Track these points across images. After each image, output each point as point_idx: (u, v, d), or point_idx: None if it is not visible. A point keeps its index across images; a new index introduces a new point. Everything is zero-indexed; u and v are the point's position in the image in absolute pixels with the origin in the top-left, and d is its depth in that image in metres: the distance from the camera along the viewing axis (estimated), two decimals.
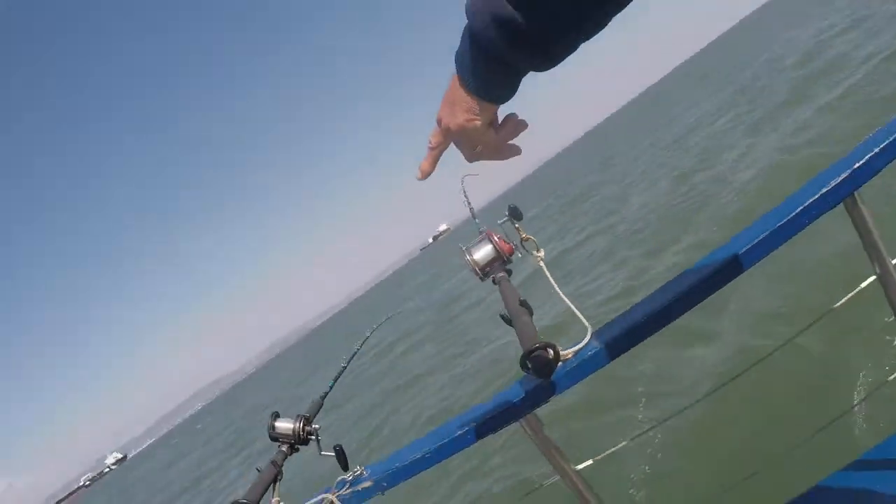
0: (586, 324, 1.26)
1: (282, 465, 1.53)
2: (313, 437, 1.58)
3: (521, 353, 0.90)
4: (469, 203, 1.53)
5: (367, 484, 1.50)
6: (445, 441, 1.43)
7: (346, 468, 1.59)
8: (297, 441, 1.56)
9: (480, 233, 1.28)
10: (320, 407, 1.69)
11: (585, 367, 1.28)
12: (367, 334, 2.04)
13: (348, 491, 1.52)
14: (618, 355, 1.30)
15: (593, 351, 1.28)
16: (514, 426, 1.39)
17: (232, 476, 16.46)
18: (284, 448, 1.56)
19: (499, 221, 1.29)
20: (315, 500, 1.51)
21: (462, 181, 1.54)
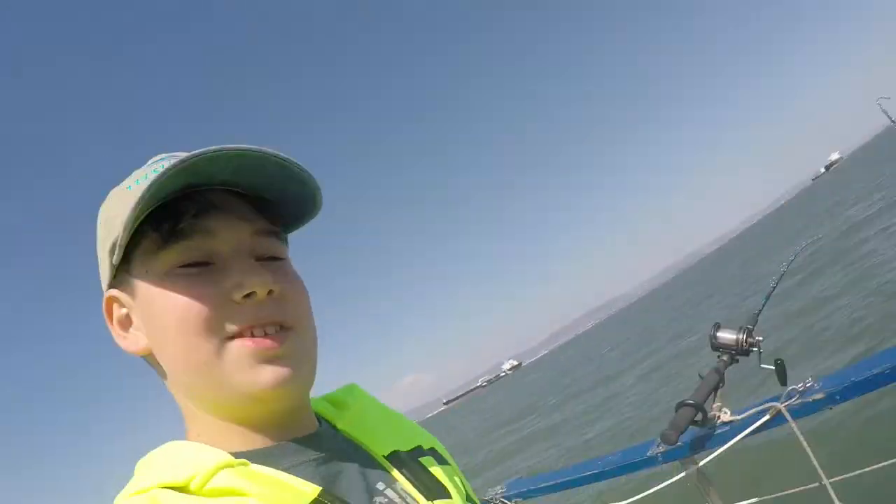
0: None
1: (724, 373, 1.64)
2: (756, 349, 1.67)
3: None
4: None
5: (818, 396, 1.44)
6: None
7: (784, 383, 1.60)
8: (738, 352, 1.67)
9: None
10: (756, 322, 1.76)
11: None
12: (792, 256, 2.16)
13: (798, 402, 1.47)
14: None
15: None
16: None
17: (629, 383, 16.21)
18: (725, 357, 1.67)
19: None
20: (760, 407, 1.51)
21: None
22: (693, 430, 1.60)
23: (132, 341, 0.68)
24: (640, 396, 13.96)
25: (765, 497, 1.82)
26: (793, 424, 1.49)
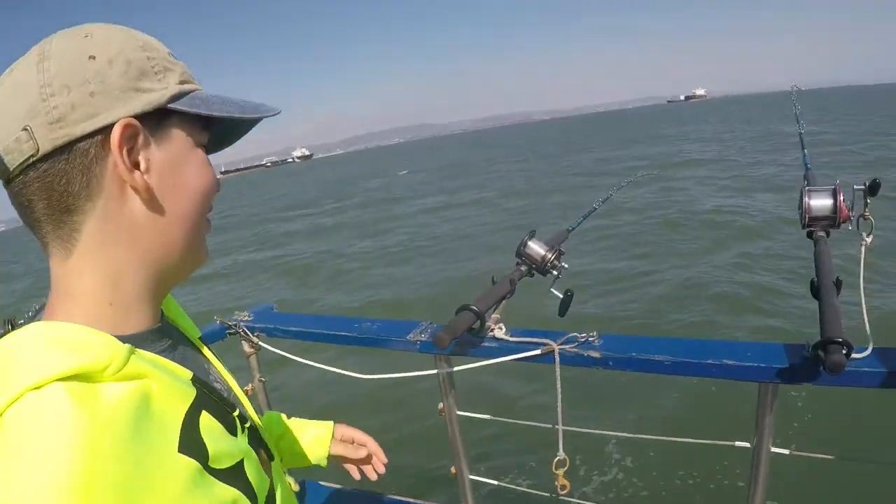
0: (869, 336, 1.14)
1: (516, 284, 1.63)
2: (555, 273, 1.65)
3: (815, 337, 1.05)
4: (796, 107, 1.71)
5: (594, 354, 1.42)
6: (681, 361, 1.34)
7: (562, 315, 1.63)
8: (538, 268, 1.65)
9: (830, 183, 1.22)
10: (566, 238, 1.76)
11: (857, 378, 1.15)
12: (624, 184, 2.26)
13: (573, 350, 1.44)
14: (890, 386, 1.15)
15: (870, 369, 1.14)
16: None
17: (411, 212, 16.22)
18: (524, 268, 1.66)
19: (856, 186, 1.17)
20: (536, 339, 1.48)
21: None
22: (463, 334, 1.52)
23: (139, 178, 0.64)
24: (418, 228, 14.99)
25: (498, 418, 1.87)
26: (557, 369, 1.45)
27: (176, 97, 0.66)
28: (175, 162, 0.67)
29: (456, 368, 1.72)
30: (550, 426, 1.62)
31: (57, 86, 0.59)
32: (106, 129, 0.61)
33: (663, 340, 1.41)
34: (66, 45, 0.61)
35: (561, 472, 1.55)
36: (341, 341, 1.85)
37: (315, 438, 1.26)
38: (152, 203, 0.65)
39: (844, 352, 1.00)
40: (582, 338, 1.45)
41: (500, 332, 1.53)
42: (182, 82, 0.68)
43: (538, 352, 1.46)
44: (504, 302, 1.61)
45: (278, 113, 0.76)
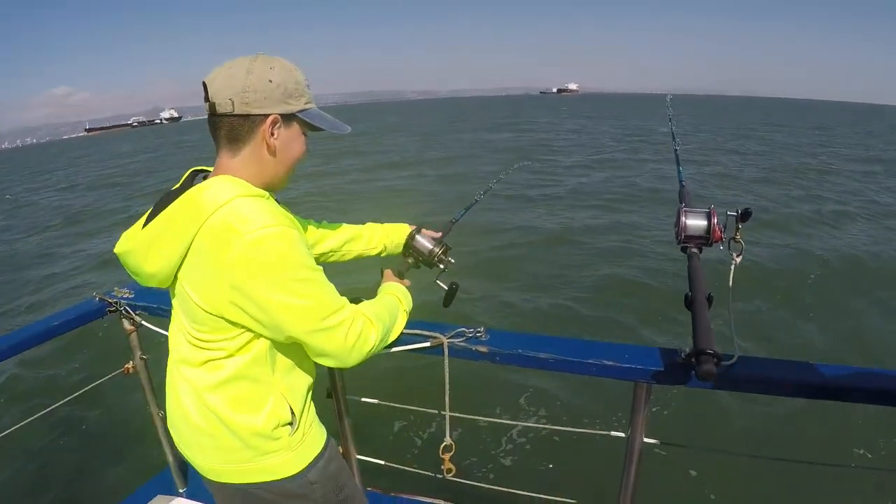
0: (735, 345, 1.24)
1: (404, 275, 1.76)
2: (442, 266, 1.77)
3: (688, 345, 1.16)
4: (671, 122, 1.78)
5: (482, 349, 1.48)
6: (559, 358, 1.44)
7: (446, 306, 1.75)
8: (426, 261, 1.77)
9: (705, 206, 1.32)
10: (449, 230, 1.86)
11: (724, 382, 1.29)
12: (503, 176, 2.30)
13: (461, 343, 1.50)
14: (750, 391, 1.32)
15: (735, 375, 1.28)
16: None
17: None
18: (411, 260, 1.79)
19: (729, 212, 1.29)
20: (426, 332, 1.53)
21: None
22: None
23: (275, 136, 1.26)
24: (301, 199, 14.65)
25: (386, 402, 1.90)
26: (446, 360, 1.51)
27: (299, 111, 1.28)
28: (289, 138, 1.29)
29: None
30: (437, 412, 1.67)
31: (251, 89, 1.20)
32: (266, 115, 1.22)
33: (548, 339, 1.48)
34: (260, 68, 1.22)
35: (447, 456, 1.62)
36: None
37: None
38: (273, 154, 1.27)
39: (714, 361, 1.08)
40: (470, 332, 1.50)
41: None
42: (306, 103, 1.29)
43: (427, 344, 1.50)
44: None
45: (348, 132, 1.40)
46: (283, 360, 1.31)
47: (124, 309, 1.95)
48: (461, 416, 1.70)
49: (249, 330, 1.22)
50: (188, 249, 1.17)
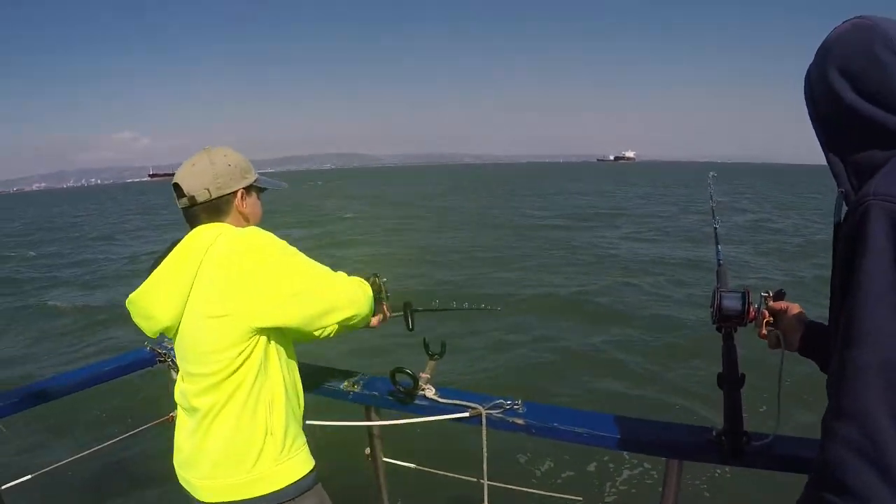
0: (778, 422, 1.27)
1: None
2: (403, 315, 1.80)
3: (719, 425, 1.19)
4: (712, 200, 1.67)
5: (518, 421, 1.51)
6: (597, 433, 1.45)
7: (409, 329, 1.77)
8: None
9: (740, 288, 1.33)
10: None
11: (754, 461, 1.28)
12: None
13: (499, 415, 1.53)
14: (786, 470, 1.29)
15: (771, 454, 1.27)
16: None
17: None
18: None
19: (763, 293, 1.33)
20: (464, 402, 1.57)
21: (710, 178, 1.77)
22: (393, 389, 1.66)
23: (245, 206, 1.54)
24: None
25: (424, 468, 1.93)
26: (484, 431, 1.54)
27: (255, 181, 1.57)
28: (253, 203, 1.56)
29: (387, 422, 1.80)
30: (476, 480, 1.70)
31: (220, 174, 1.48)
32: (236, 191, 1.50)
33: (583, 414, 1.51)
34: (218, 158, 1.50)
35: None
36: None
37: None
38: (247, 219, 1.54)
39: (745, 441, 1.11)
40: (507, 405, 1.54)
41: (430, 392, 1.61)
42: (255, 174, 1.58)
43: (466, 414, 1.55)
44: (434, 363, 1.70)
45: (285, 187, 1.88)
46: (273, 380, 1.45)
47: (171, 360, 2.07)
48: (498, 484, 1.72)
49: (246, 351, 1.38)
50: (195, 279, 1.37)
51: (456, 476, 1.86)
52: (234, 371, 1.38)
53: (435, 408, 1.59)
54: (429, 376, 1.65)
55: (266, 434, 1.42)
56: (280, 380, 1.45)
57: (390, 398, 1.66)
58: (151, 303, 1.42)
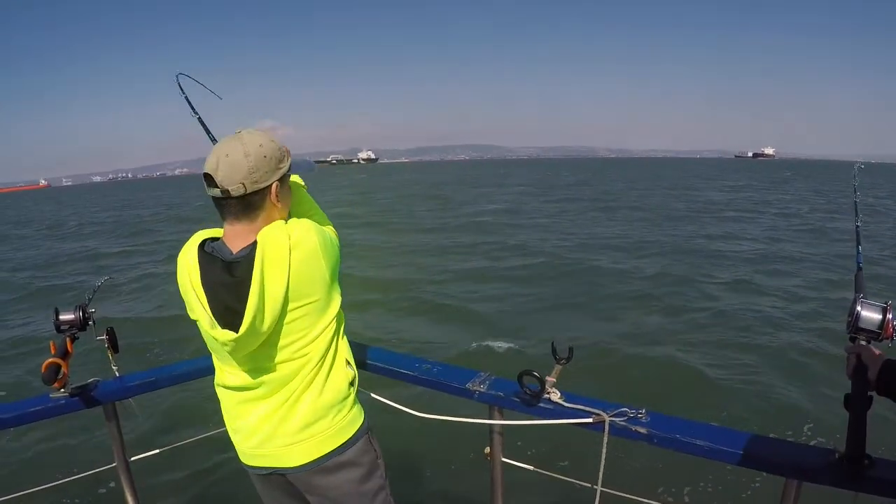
0: None
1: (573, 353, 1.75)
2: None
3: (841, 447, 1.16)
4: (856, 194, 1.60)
5: (641, 430, 1.55)
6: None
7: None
8: None
9: (883, 300, 1.28)
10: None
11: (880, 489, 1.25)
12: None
13: (622, 423, 1.57)
14: None
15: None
16: None
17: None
18: None
19: None
20: (588, 408, 1.62)
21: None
22: (519, 391, 1.72)
23: (278, 197, 1.54)
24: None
25: (540, 470, 2.01)
26: (605, 438, 1.60)
27: (288, 168, 1.58)
28: (286, 192, 1.60)
29: (509, 422, 1.88)
30: (590, 486, 1.76)
31: (254, 169, 1.47)
32: (271, 185, 1.51)
33: (705, 426, 1.55)
34: (253, 148, 1.48)
35: None
36: (400, 377, 2.04)
37: None
38: (280, 211, 1.57)
39: (867, 465, 1.10)
40: (632, 413, 1.60)
41: (555, 396, 1.70)
42: (288, 160, 1.58)
43: (589, 420, 1.62)
44: (560, 367, 1.76)
45: (315, 170, 2.05)
46: (337, 341, 1.65)
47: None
48: (611, 491, 1.76)
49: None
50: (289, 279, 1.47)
51: (569, 480, 1.94)
52: (310, 342, 1.56)
53: (559, 411, 1.67)
54: (555, 380, 1.72)
55: (348, 385, 1.66)
56: (341, 334, 1.67)
57: (516, 399, 1.75)
58: (256, 332, 1.48)
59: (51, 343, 1.92)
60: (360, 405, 1.73)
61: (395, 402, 2.06)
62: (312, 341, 1.57)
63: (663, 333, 8.07)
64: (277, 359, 1.55)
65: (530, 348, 7.53)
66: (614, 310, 9.49)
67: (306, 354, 1.57)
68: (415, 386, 2.01)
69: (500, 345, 7.55)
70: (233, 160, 1.46)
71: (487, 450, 1.97)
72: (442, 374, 1.98)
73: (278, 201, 1.54)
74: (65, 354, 1.90)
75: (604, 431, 1.59)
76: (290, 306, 1.49)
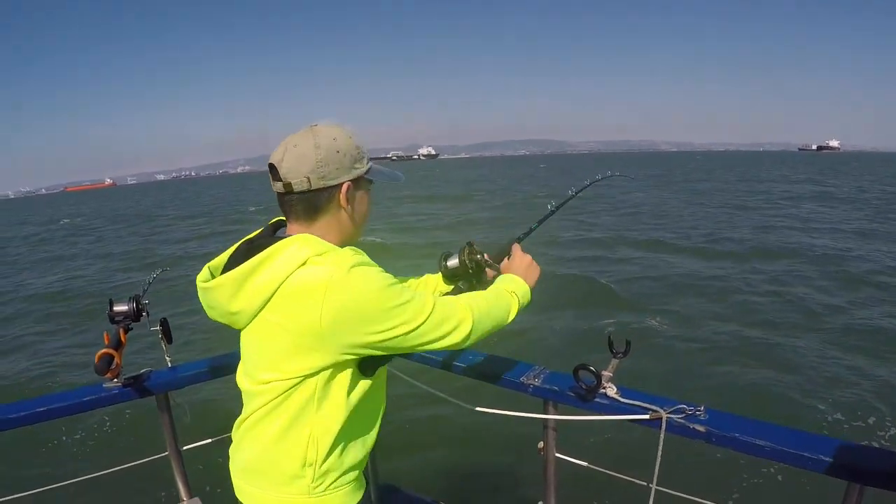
0: None
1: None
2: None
3: None
4: None
5: (699, 428, 1.52)
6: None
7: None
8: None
9: None
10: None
11: None
12: (584, 184, 2.01)
13: (680, 420, 1.55)
14: None
15: None
16: None
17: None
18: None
19: None
20: (645, 404, 1.60)
21: None
22: (574, 385, 1.70)
23: (348, 202, 1.39)
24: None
25: (594, 467, 1.99)
26: (661, 435, 1.57)
27: (365, 172, 1.43)
28: (360, 199, 1.44)
29: (564, 417, 1.87)
30: (645, 484, 1.74)
31: (324, 163, 1.33)
32: (341, 184, 1.37)
33: (767, 426, 1.52)
34: (325, 141, 1.35)
35: None
36: (454, 370, 2.03)
37: None
38: (349, 217, 1.42)
39: None
40: (690, 410, 1.57)
41: (612, 391, 1.69)
42: (367, 162, 1.44)
43: (646, 416, 1.60)
44: (617, 361, 1.75)
45: (402, 179, 1.61)
46: (332, 402, 1.35)
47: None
48: (666, 490, 1.73)
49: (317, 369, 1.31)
50: (273, 294, 1.26)
51: (623, 477, 1.92)
52: (291, 386, 1.32)
53: (615, 407, 1.66)
54: (611, 374, 1.70)
55: (304, 464, 1.36)
56: (339, 410, 1.36)
57: (571, 394, 1.74)
58: (223, 302, 1.35)
59: (105, 334, 1.97)
60: (346, 492, 1.44)
61: (448, 395, 2.08)
62: (292, 376, 1.32)
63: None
64: (256, 370, 1.39)
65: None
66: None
67: (278, 390, 1.33)
68: (467, 378, 2.01)
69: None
70: (300, 151, 1.32)
71: (541, 444, 1.96)
72: (496, 366, 1.98)
73: (347, 205, 1.38)
74: (118, 345, 1.95)
75: (660, 429, 1.57)
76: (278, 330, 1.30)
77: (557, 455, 1.96)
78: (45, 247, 25.21)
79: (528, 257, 1.70)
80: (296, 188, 1.32)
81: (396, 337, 1.28)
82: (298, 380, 1.30)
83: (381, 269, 1.33)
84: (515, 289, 1.58)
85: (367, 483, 1.55)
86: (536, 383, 1.83)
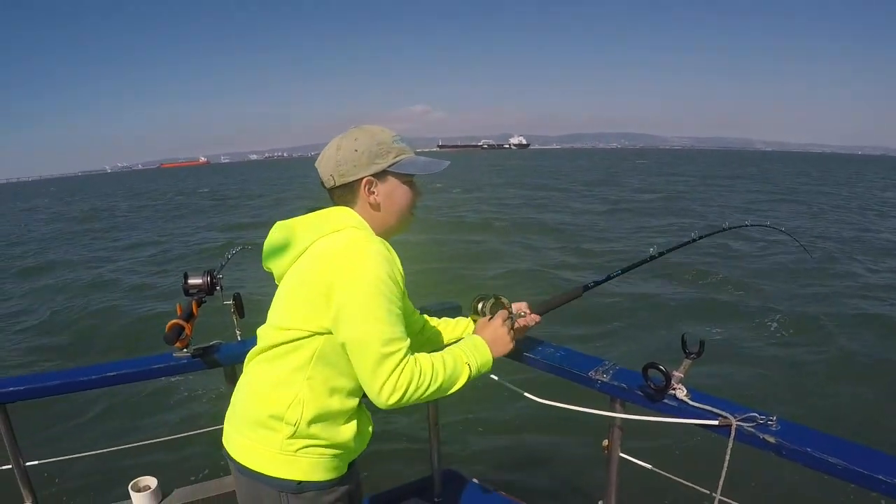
0: None
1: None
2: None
3: None
4: None
5: (770, 439, 1.46)
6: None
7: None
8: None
9: None
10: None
11: None
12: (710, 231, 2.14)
13: (750, 429, 1.50)
14: None
15: None
16: None
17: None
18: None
19: None
20: (716, 409, 1.55)
21: None
22: (643, 384, 1.67)
23: (372, 195, 1.56)
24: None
25: (659, 470, 1.97)
26: (730, 443, 1.52)
27: (389, 165, 1.56)
28: (389, 191, 1.58)
29: (631, 416, 1.84)
30: (709, 493, 1.69)
31: (341, 162, 1.54)
32: (360, 179, 1.54)
33: (842, 442, 1.44)
34: (347, 142, 1.55)
35: None
36: (525, 360, 2.02)
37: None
38: (377, 209, 1.58)
39: None
40: (761, 419, 1.51)
41: (681, 393, 1.64)
42: (396, 157, 1.57)
43: (715, 422, 1.55)
44: (690, 362, 1.69)
45: (442, 168, 1.61)
46: (324, 373, 1.48)
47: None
48: (731, 501, 1.68)
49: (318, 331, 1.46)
50: (304, 251, 1.49)
51: (687, 483, 1.88)
52: (297, 338, 1.47)
53: (683, 410, 1.61)
54: (682, 376, 1.66)
55: (282, 420, 1.47)
56: (328, 382, 1.49)
57: (639, 393, 1.71)
58: (272, 245, 1.57)
59: (178, 305, 2.08)
60: (323, 462, 1.54)
61: (516, 386, 2.08)
62: (294, 330, 1.48)
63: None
64: (272, 319, 1.58)
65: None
66: None
67: (288, 329, 1.50)
68: (536, 370, 2.00)
69: None
70: (328, 153, 1.58)
71: (606, 443, 1.93)
72: (566, 359, 1.96)
73: (370, 197, 1.56)
74: (189, 317, 2.03)
75: (729, 436, 1.52)
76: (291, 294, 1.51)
77: (621, 455, 1.93)
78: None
79: (504, 330, 1.74)
80: (327, 185, 1.59)
81: (353, 336, 1.39)
82: (305, 334, 1.46)
83: (397, 279, 1.44)
84: (473, 360, 1.62)
85: (358, 478, 1.67)
86: (605, 379, 1.81)
